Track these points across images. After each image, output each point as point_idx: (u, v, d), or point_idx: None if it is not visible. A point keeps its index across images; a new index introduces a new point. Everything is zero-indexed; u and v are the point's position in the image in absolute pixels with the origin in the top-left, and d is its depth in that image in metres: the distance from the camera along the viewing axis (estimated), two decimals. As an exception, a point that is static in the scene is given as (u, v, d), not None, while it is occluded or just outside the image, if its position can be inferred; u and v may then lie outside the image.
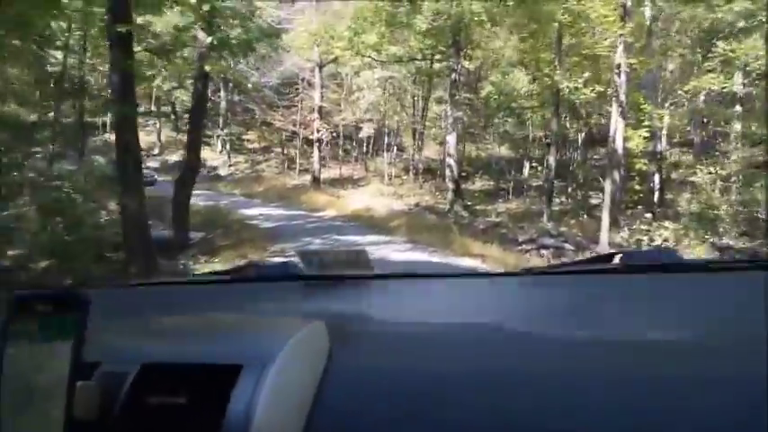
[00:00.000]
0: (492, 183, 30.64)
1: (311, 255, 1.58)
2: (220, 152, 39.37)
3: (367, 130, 28.49)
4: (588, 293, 1.40)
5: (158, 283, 1.95)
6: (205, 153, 40.95)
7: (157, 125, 42.19)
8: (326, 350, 1.07)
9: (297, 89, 32.75)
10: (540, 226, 18.82)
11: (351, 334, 1.22)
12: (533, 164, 28.18)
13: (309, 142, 31.01)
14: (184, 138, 42.27)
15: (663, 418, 0.85)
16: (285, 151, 37.16)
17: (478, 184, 30.63)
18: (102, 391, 0.91)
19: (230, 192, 30.01)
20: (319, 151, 29.29)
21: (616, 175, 17.81)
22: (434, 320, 1.29)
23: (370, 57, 23.27)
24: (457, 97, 23.33)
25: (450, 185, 24.01)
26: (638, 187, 21.11)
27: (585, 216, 20.95)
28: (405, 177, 31.47)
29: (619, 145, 17.69)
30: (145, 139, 43.58)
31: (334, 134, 30.77)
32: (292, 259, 1.72)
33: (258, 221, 18.64)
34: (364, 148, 34.01)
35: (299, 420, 0.91)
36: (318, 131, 28.38)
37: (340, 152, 34.36)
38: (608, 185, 17.52)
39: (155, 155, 40.67)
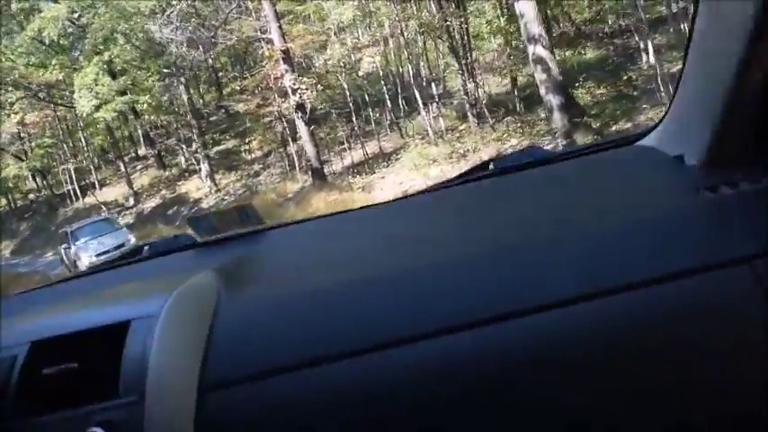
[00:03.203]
0: (606, 86, 17.74)
1: (200, 220, 1.55)
2: (206, 177, 28.03)
3: (368, 61, 16.10)
4: (465, 203, 1.42)
5: (43, 287, 1.71)
6: (190, 184, 30.64)
7: (122, 168, 31.39)
8: (215, 294, 1.08)
9: (254, 45, 20.58)
10: None
11: (238, 277, 1.22)
12: None
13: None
14: (170, 173, 32.54)
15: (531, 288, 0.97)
16: (287, 149, 25.25)
17: (587, 95, 17.70)
18: None
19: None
20: (307, 124, 17.14)
21: None
22: (320, 254, 1.30)
23: None
24: None
25: (554, 99, 11.47)
26: None
27: None
28: (462, 127, 18.99)
29: None
30: (119, 191, 34.11)
31: (326, 91, 18.46)
32: (182, 234, 1.63)
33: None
34: (388, 103, 21.56)
35: (194, 361, 0.94)
36: (295, 92, 16.25)
37: (355, 123, 22.20)
38: None
39: (129, 207, 30.09)
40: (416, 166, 16.35)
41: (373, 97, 22.71)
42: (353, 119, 22.83)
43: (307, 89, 16.46)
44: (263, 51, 17.96)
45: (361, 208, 1.67)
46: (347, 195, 14.87)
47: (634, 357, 0.93)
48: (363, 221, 1.53)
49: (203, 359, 0.93)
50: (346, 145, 22.82)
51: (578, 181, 1.34)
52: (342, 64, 17.67)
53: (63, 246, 18.83)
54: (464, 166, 14.44)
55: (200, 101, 31.51)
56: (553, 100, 11.85)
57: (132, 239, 17.98)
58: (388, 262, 1.13)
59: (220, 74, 32.73)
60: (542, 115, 15.76)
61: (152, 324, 0.93)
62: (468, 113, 18.41)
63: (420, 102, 19.62)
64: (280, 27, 16.85)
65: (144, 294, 1.10)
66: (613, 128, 13.27)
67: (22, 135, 31.72)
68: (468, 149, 16.01)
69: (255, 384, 0.94)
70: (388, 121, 22.82)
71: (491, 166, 1.55)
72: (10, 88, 26.99)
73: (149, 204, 29.45)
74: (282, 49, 16.39)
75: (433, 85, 20.09)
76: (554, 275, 0.97)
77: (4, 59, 26.18)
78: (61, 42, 25.27)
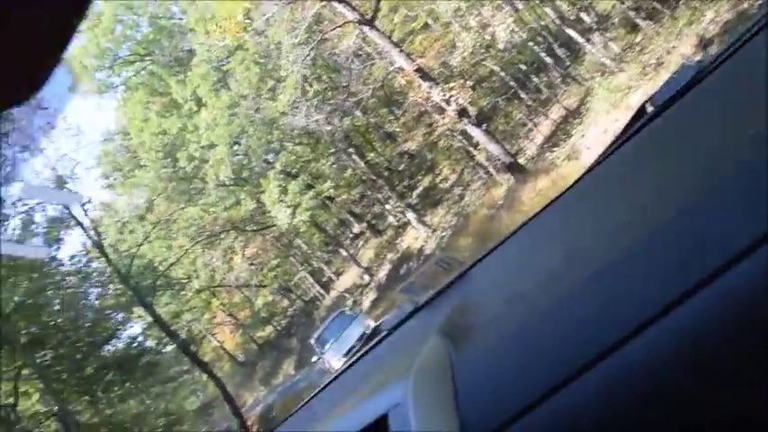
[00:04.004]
0: None
1: (410, 287, 1.59)
2: (418, 224, 27.47)
3: (503, 29, 14.26)
4: (633, 167, 1.26)
5: (306, 401, 1.83)
6: (408, 238, 30.34)
7: (344, 252, 32.15)
8: (447, 358, 1.08)
9: (391, 82, 19.70)
10: None
11: (460, 329, 1.21)
12: None
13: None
14: (387, 236, 32.61)
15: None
16: (474, 159, 23.77)
17: None
18: None
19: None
20: (477, 125, 15.67)
21: None
22: (523, 273, 1.27)
23: None
24: None
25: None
26: None
27: None
28: (639, 39, 16.18)
29: None
30: (353, 274, 34.92)
31: (481, 84, 16.91)
32: (403, 303, 1.64)
33: None
34: (547, 60, 19.38)
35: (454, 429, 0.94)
36: (449, 101, 14.96)
37: (525, 98, 20.23)
38: None
39: (366, 285, 30.49)
40: (612, 104, 14.04)
41: (530, 64, 20.62)
42: (522, 95, 20.88)
43: (458, 93, 15.03)
44: (399, 81, 17.05)
45: (540, 211, 1.50)
46: (555, 174, 13.05)
47: None
48: (546, 223, 1.43)
49: (461, 425, 0.91)
50: (530, 124, 20.87)
51: (742, 85, 1.11)
52: (480, 48, 16.02)
53: (314, 357, 18.99)
54: (665, 76, 11.99)
55: (381, 158, 31.38)
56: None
57: (370, 323, 17.53)
58: (585, 262, 1.03)
59: (386, 125, 32.56)
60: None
61: (404, 412, 0.93)
62: (637, 20, 15.67)
63: (580, 39, 17.21)
64: (401, 51, 15.75)
65: (387, 383, 1.11)
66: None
67: (253, 267, 33.99)
68: (659, 55, 13.43)
69: (513, 429, 0.89)
70: (558, 78, 20.49)
71: (648, 108, 1.42)
72: (223, 236, 29.11)
73: (382, 273, 29.62)
74: (414, 69, 15.22)
75: (583, 15, 17.59)
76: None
77: (207, 216, 28.44)
78: (242, 176, 26.62)
